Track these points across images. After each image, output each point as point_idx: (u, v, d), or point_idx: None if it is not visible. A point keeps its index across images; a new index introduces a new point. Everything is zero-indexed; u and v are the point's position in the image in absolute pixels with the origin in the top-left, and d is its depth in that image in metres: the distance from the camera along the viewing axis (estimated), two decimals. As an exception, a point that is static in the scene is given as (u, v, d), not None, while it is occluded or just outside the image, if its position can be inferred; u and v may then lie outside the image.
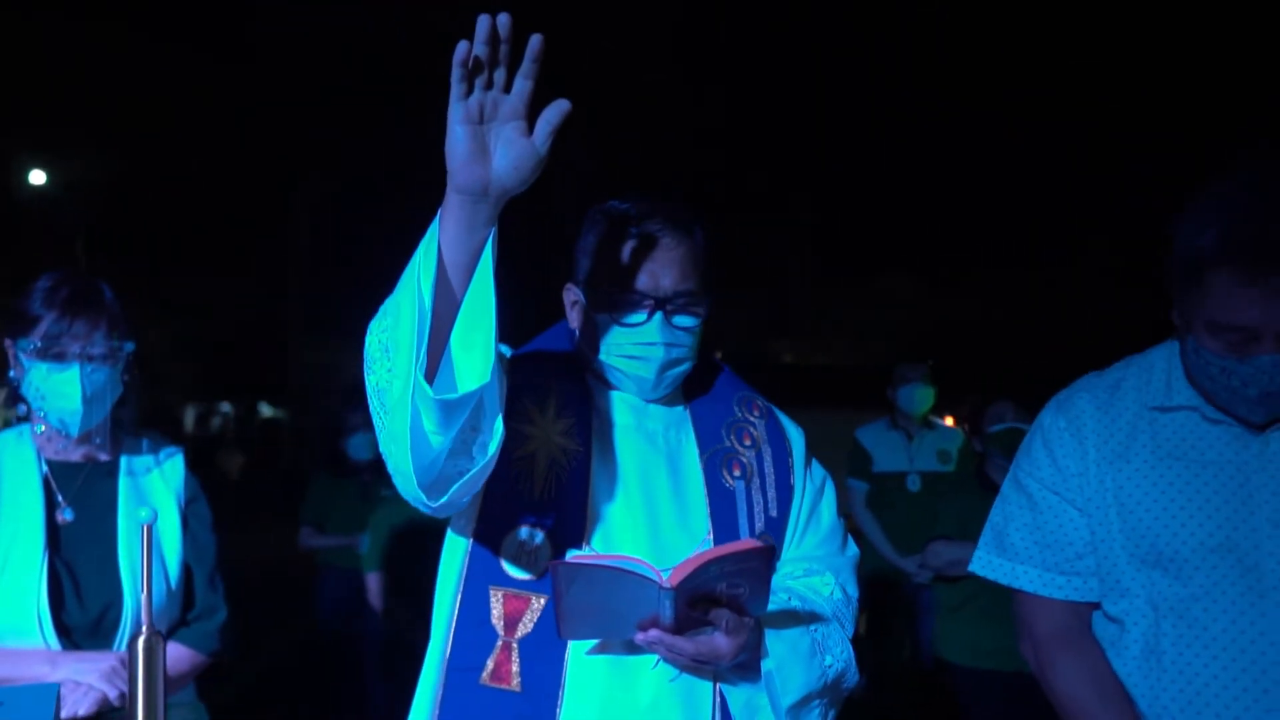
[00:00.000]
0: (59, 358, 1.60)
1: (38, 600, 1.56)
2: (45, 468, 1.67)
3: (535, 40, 1.11)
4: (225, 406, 25.88)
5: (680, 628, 1.24)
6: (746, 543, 1.24)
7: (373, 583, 3.14)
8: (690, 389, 1.50)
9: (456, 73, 1.09)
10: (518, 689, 1.31)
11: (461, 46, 1.08)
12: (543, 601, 1.33)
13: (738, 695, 1.34)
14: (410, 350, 1.13)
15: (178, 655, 1.65)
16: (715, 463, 1.45)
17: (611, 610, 1.22)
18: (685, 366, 1.43)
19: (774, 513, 1.46)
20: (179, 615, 1.69)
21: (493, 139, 1.12)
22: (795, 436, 1.54)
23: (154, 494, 1.72)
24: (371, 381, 1.21)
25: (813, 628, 1.40)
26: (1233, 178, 1.30)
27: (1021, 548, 1.45)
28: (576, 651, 1.31)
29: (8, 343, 1.67)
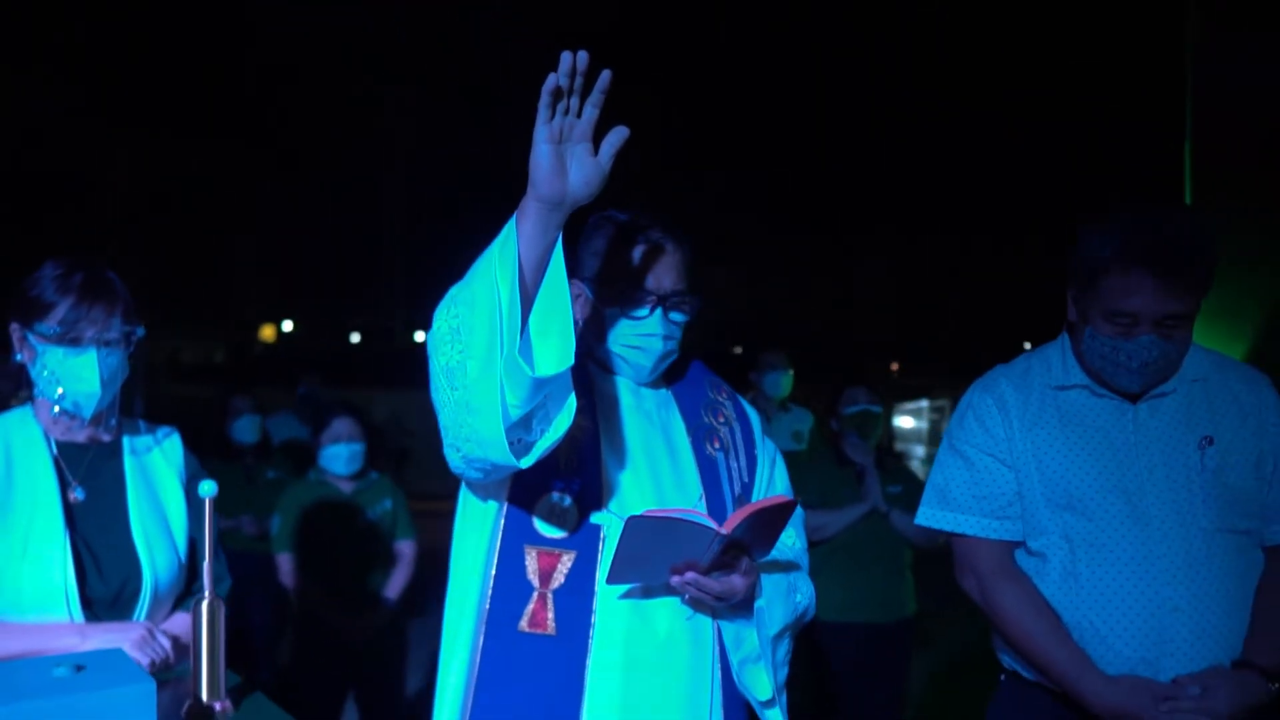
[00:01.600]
0: (75, 342, 1.62)
1: (64, 576, 1.59)
2: (55, 448, 1.68)
3: (605, 75, 1.29)
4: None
5: (709, 571, 1.46)
6: (779, 498, 1.47)
7: (284, 563, 3.16)
8: (670, 374, 1.72)
9: (545, 100, 1.25)
10: (553, 632, 1.49)
11: (551, 79, 1.25)
12: (572, 556, 1.51)
13: (730, 629, 1.57)
14: (491, 334, 1.28)
15: (183, 625, 1.71)
16: (700, 436, 1.68)
17: (659, 558, 1.42)
18: (674, 356, 1.65)
19: (745, 478, 1.70)
20: (185, 587, 1.75)
21: (568, 157, 1.29)
22: (753, 415, 1.79)
23: (157, 472, 1.77)
24: (440, 362, 1.35)
25: (788, 571, 1.65)
26: (1126, 207, 1.66)
27: (962, 501, 1.76)
28: (604, 598, 1.50)
29: (15, 327, 1.67)
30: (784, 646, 1.65)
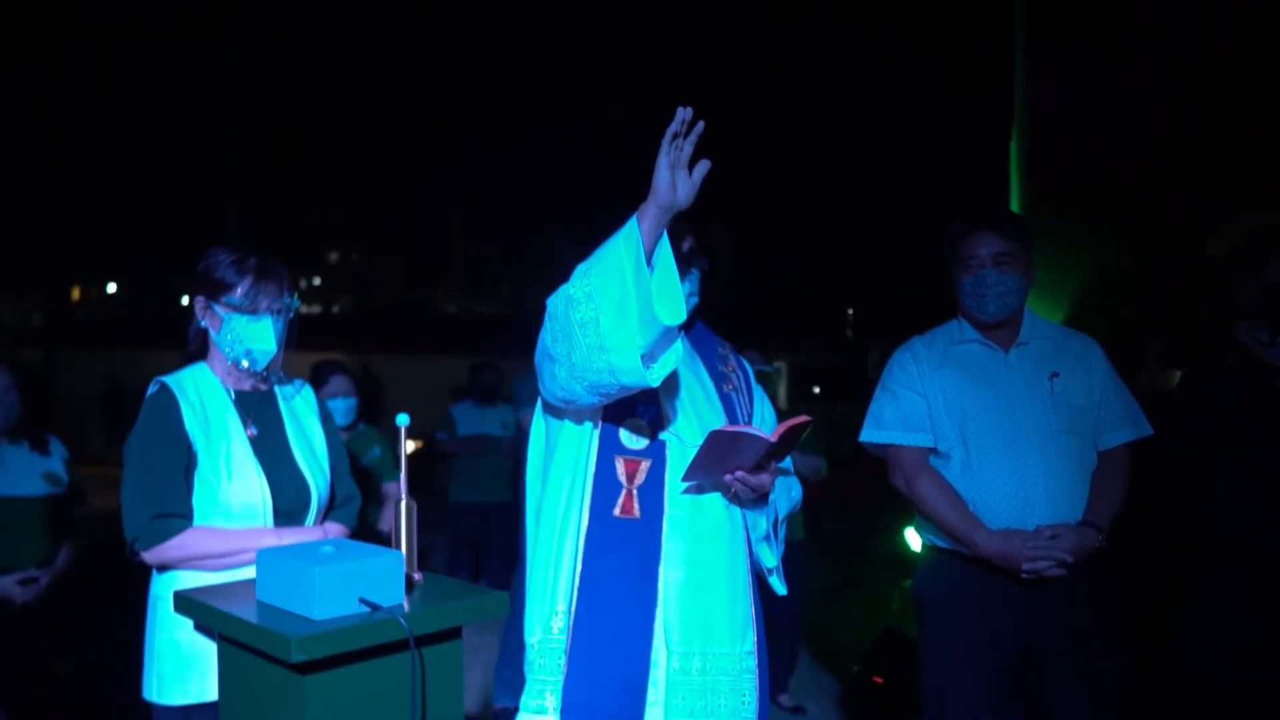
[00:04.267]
0: (254, 312, 2.11)
1: (263, 494, 2.09)
2: (232, 395, 2.17)
3: (700, 125, 1.90)
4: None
5: (752, 471, 2.11)
6: (803, 417, 2.12)
7: None
8: (684, 328, 2.35)
9: (668, 137, 1.84)
10: (638, 516, 2.12)
11: (673, 126, 1.83)
12: (649, 463, 2.14)
13: (751, 516, 2.21)
14: (623, 297, 1.83)
15: (337, 529, 2.25)
16: (719, 380, 2.32)
17: (722, 461, 2.05)
18: (695, 300, 2.26)
19: (748, 411, 2.36)
20: (330, 501, 2.27)
21: (678, 177, 1.91)
22: (746, 365, 2.46)
23: (302, 414, 2.28)
24: (575, 318, 1.89)
25: (787, 476, 2.33)
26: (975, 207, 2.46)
27: (890, 421, 2.51)
28: (672, 491, 2.13)
29: (200, 300, 2.14)
30: (782, 530, 2.33)
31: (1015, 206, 5.20)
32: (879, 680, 4.37)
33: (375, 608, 1.73)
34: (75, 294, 34.30)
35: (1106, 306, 4.93)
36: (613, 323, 1.87)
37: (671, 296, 1.89)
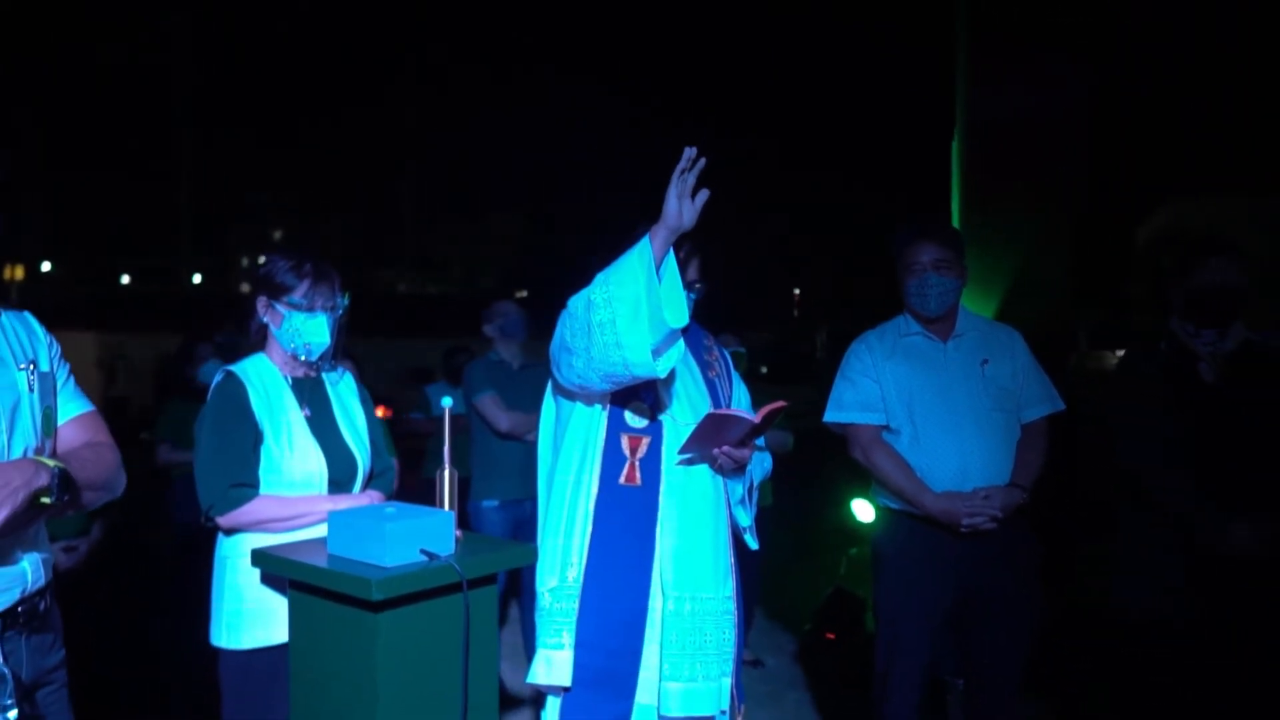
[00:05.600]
0: (311, 310, 2.45)
1: (320, 466, 2.43)
2: (289, 381, 2.50)
3: (702, 161, 2.27)
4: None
5: (736, 446, 2.50)
6: (781, 403, 2.52)
7: None
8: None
9: (677, 172, 2.23)
10: (639, 484, 2.51)
11: (681, 164, 2.22)
12: (649, 440, 2.52)
13: (730, 484, 2.61)
14: (635, 303, 2.21)
15: (378, 495, 2.59)
16: (705, 367, 2.71)
17: (713, 438, 2.45)
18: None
19: (728, 394, 2.76)
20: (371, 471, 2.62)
21: (684, 205, 2.28)
22: (725, 352, 2.85)
23: (346, 396, 2.61)
24: (595, 319, 2.26)
25: (762, 449, 2.73)
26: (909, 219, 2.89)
27: (849, 403, 2.93)
28: (668, 463, 2.52)
29: (263, 300, 2.47)
30: (754, 496, 2.74)
31: (955, 201, 5.68)
32: (830, 636, 4.83)
33: (434, 557, 2.09)
34: (9, 273, 33.58)
35: (1038, 292, 5.44)
36: (628, 324, 2.25)
37: (676, 303, 2.29)
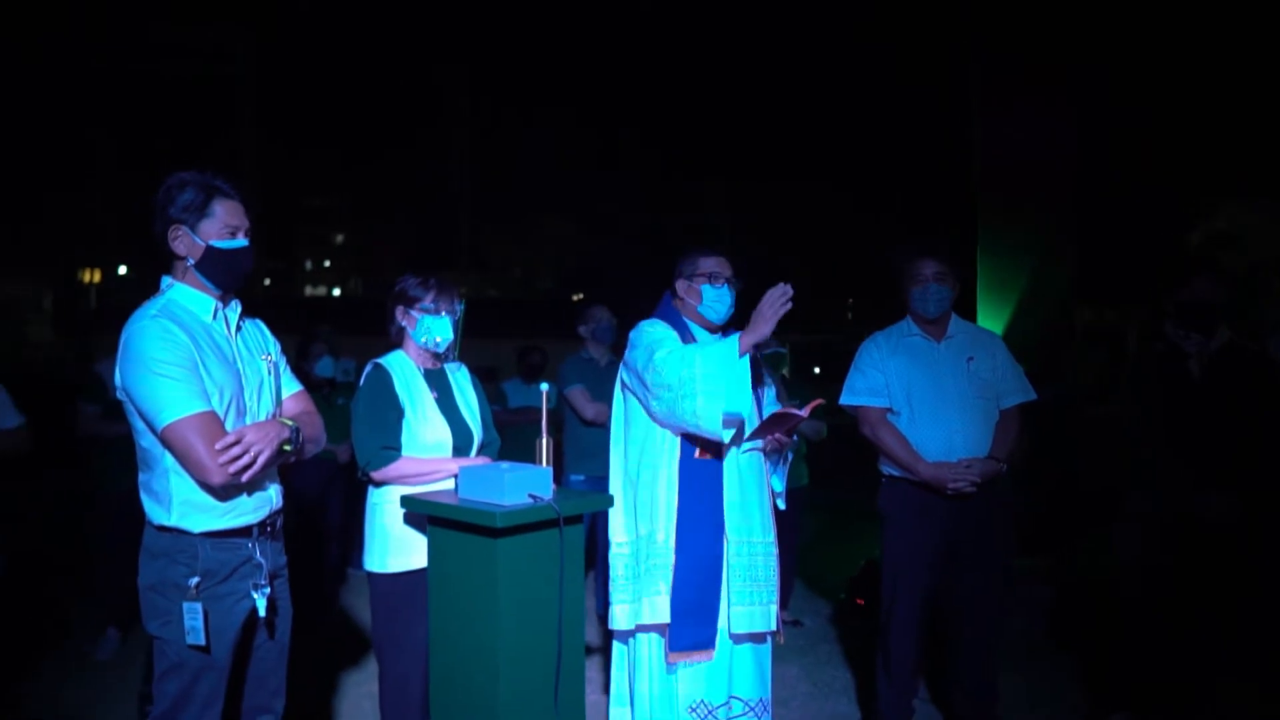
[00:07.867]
0: (438, 313, 3.20)
1: (448, 436, 3.18)
2: (422, 371, 3.26)
3: (790, 291, 3.01)
4: None
5: (786, 433, 3.23)
6: (819, 400, 3.24)
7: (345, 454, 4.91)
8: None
9: (777, 304, 3.00)
10: (709, 457, 3.23)
11: (782, 299, 2.99)
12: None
13: (769, 462, 3.36)
14: (721, 389, 2.99)
15: (485, 460, 3.33)
16: (754, 382, 3.42)
17: (771, 427, 3.16)
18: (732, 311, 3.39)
19: (762, 391, 3.46)
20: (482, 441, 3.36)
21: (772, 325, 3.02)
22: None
23: (461, 383, 3.36)
24: (685, 389, 3.03)
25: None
26: (910, 240, 3.60)
27: (860, 389, 3.63)
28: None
29: (400, 308, 3.22)
30: (785, 468, 3.45)
31: (978, 220, 6.36)
32: (860, 602, 5.51)
33: (538, 499, 2.83)
34: (85, 276, 35.11)
35: (1045, 295, 6.13)
36: (708, 402, 3.03)
37: (744, 394, 3.06)
